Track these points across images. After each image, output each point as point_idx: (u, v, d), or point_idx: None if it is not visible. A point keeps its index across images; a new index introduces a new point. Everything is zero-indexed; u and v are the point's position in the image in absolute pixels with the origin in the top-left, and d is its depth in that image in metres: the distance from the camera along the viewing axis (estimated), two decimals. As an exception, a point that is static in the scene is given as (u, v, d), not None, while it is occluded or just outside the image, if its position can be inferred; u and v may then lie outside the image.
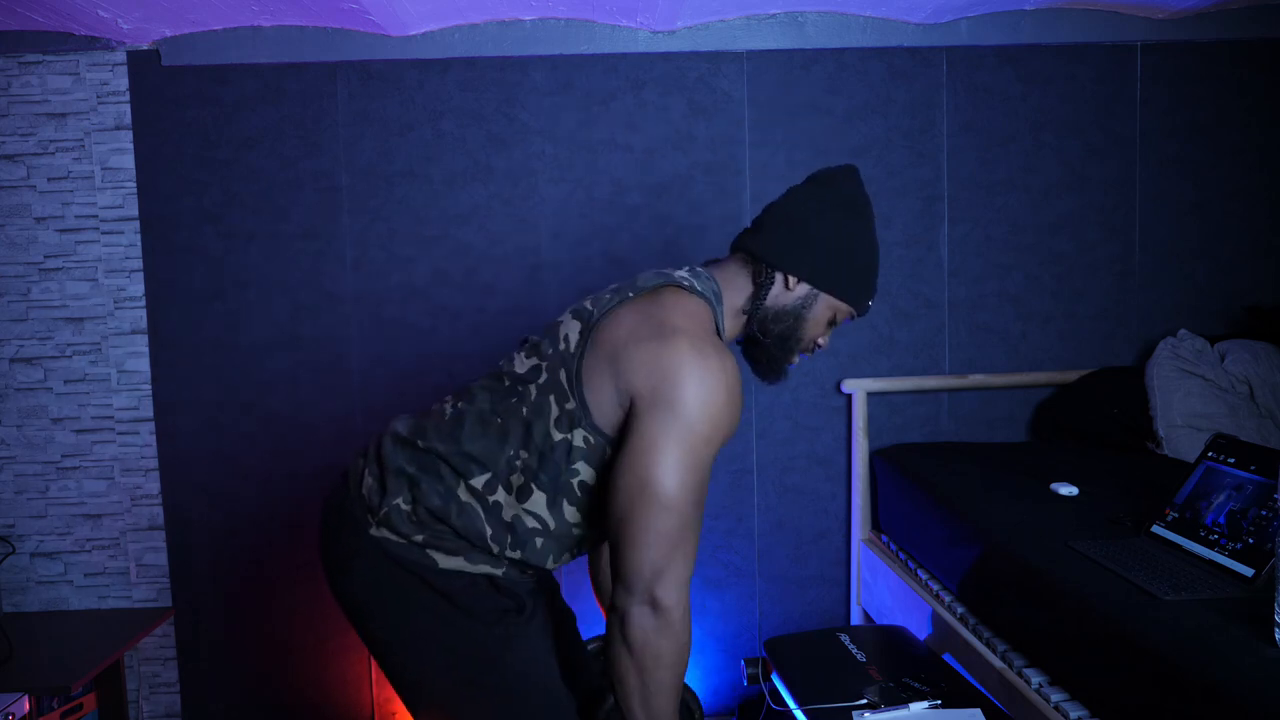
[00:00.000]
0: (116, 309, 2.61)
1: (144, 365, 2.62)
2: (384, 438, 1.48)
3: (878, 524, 2.65)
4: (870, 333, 2.70)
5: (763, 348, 1.53)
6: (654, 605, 1.30)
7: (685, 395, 1.30)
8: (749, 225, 1.57)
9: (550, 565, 1.45)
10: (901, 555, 2.41)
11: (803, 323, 1.50)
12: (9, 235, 2.59)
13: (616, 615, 1.33)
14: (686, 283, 1.46)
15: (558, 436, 1.37)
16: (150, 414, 2.63)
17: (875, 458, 2.67)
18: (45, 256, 2.60)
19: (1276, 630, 1.31)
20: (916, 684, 1.85)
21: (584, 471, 1.39)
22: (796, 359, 1.55)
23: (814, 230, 1.47)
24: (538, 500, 1.39)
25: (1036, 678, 1.66)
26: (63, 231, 2.59)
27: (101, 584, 2.66)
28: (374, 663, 2.64)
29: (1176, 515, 1.77)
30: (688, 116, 2.63)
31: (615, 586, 1.35)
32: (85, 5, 2.26)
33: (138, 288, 2.61)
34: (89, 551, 2.65)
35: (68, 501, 2.64)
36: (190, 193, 2.59)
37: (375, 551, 1.40)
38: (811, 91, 2.65)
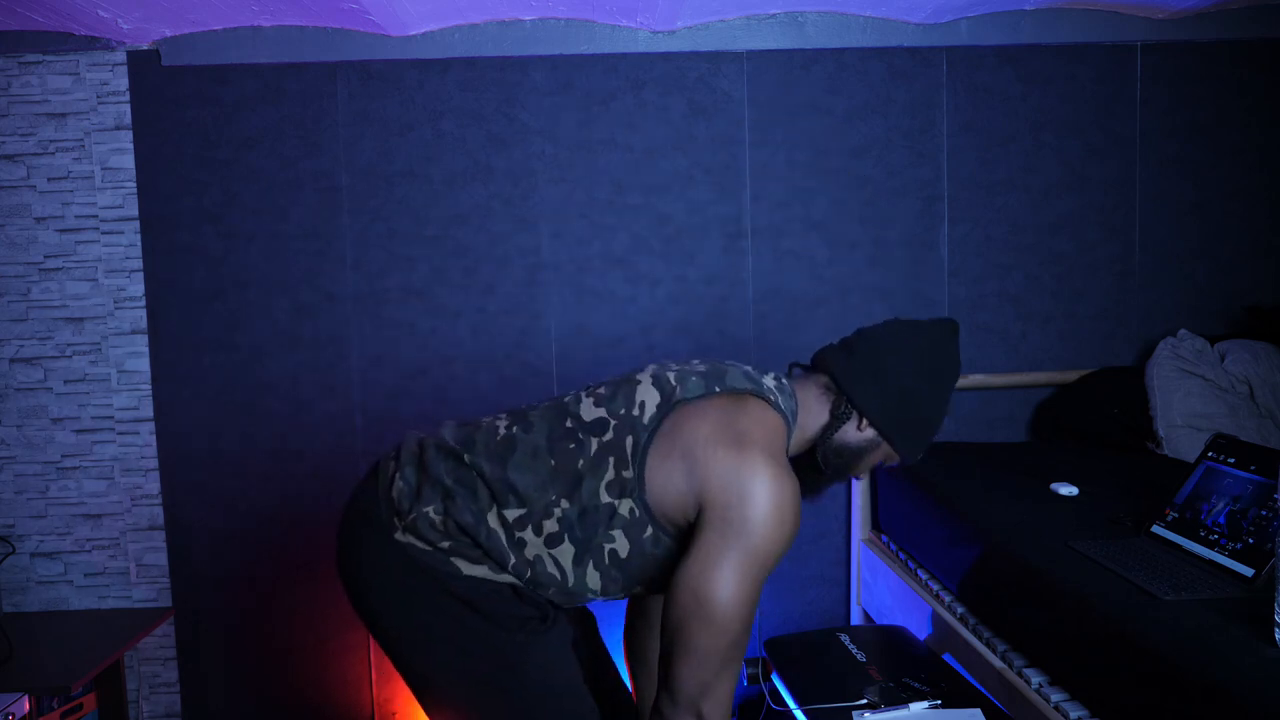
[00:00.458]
0: (116, 309, 2.61)
1: (144, 365, 2.62)
2: (427, 442, 1.47)
3: (878, 524, 2.65)
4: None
5: (817, 474, 1.55)
6: (699, 718, 1.32)
7: (756, 517, 1.31)
8: (838, 345, 1.56)
9: (551, 600, 1.45)
10: (901, 555, 2.41)
11: (860, 462, 1.52)
12: (9, 235, 2.59)
13: None
14: (772, 396, 1.46)
15: (605, 499, 1.37)
16: (150, 414, 2.63)
17: (875, 458, 2.67)
18: (45, 256, 2.60)
19: (1276, 630, 1.31)
20: (916, 684, 1.85)
21: (619, 540, 1.38)
22: (828, 487, 1.59)
23: (899, 382, 1.48)
24: (564, 551, 1.39)
25: (1036, 678, 1.66)
26: (63, 231, 2.59)
27: (101, 584, 2.66)
28: (374, 663, 2.64)
29: (1176, 515, 1.77)
30: (688, 116, 2.63)
31: (661, 693, 1.36)
32: (85, 5, 2.26)
33: (138, 288, 2.61)
34: (89, 551, 2.65)
35: (68, 501, 2.64)
36: (190, 193, 2.59)
37: (399, 557, 1.39)
38: (811, 91, 2.65)
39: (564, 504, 1.38)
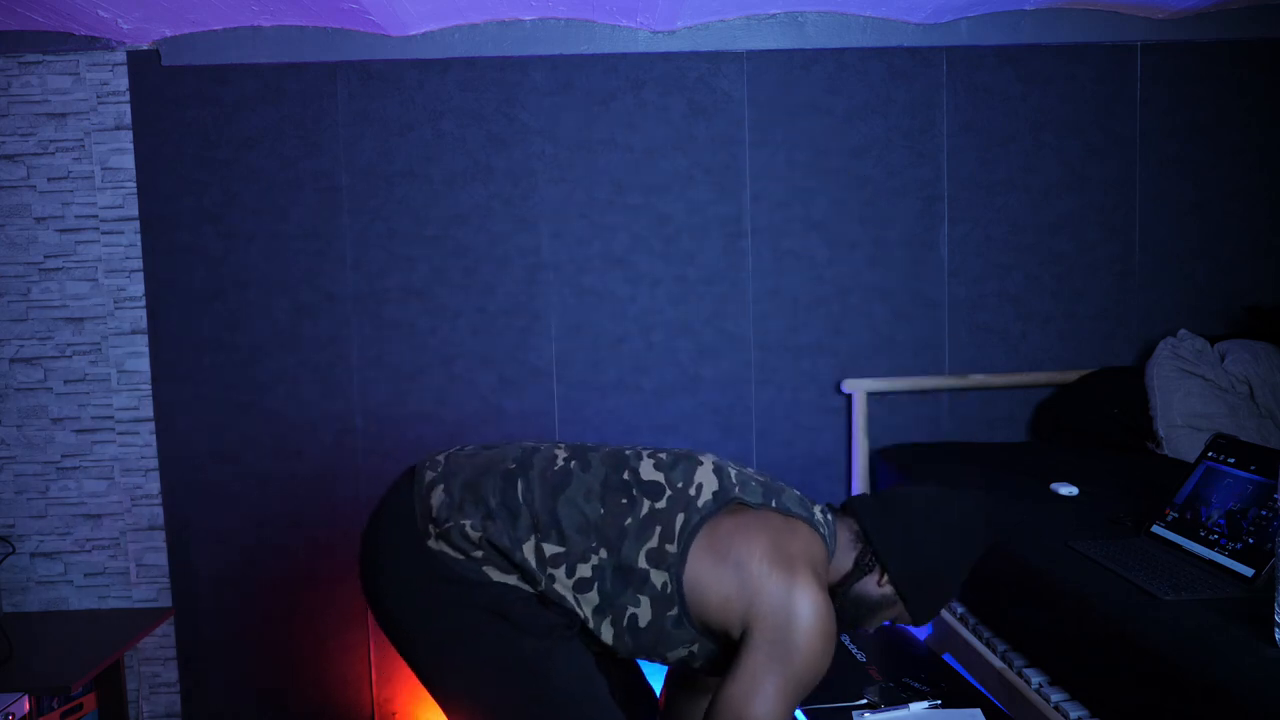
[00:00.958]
0: (116, 309, 2.61)
1: (144, 365, 2.62)
2: (481, 458, 1.47)
3: (878, 524, 2.64)
4: (870, 333, 2.71)
5: None
6: None
7: (802, 643, 1.33)
8: (872, 497, 1.57)
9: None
10: (901, 555, 2.40)
11: (873, 616, 1.52)
12: (9, 235, 2.59)
13: None
14: (822, 529, 1.48)
15: (642, 564, 1.37)
16: (150, 414, 2.63)
17: (875, 457, 2.67)
18: (45, 256, 2.60)
19: (1276, 630, 1.31)
20: (916, 684, 1.85)
21: (643, 607, 1.39)
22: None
23: (927, 548, 1.48)
24: (590, 600, 1.39)
25: (1036, 678, 1.66)
26: (63, 231, 2.59)
27: (101, 584, 2.66)
28: (374, 663, 2.64)
29: (1176, 515, 1.76)
30: (688, 116, 2.63)
31: None
32: (85, 5, 2.26)
33: (138, 288, 2.61)
34: (89, 551, 2.65)
35: (68, 501, 2.64)
36: (190, 193, 2.59)
37: (429, 565, 1.39)
38: (811, 91, 2.65)
39: (602, 553, 1.38)
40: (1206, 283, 2.76)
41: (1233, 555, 1.59)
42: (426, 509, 1.42)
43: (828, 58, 2.64)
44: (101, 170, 2.58)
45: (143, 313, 2.61)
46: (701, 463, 1.48)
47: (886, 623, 1.58)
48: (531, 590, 1.39)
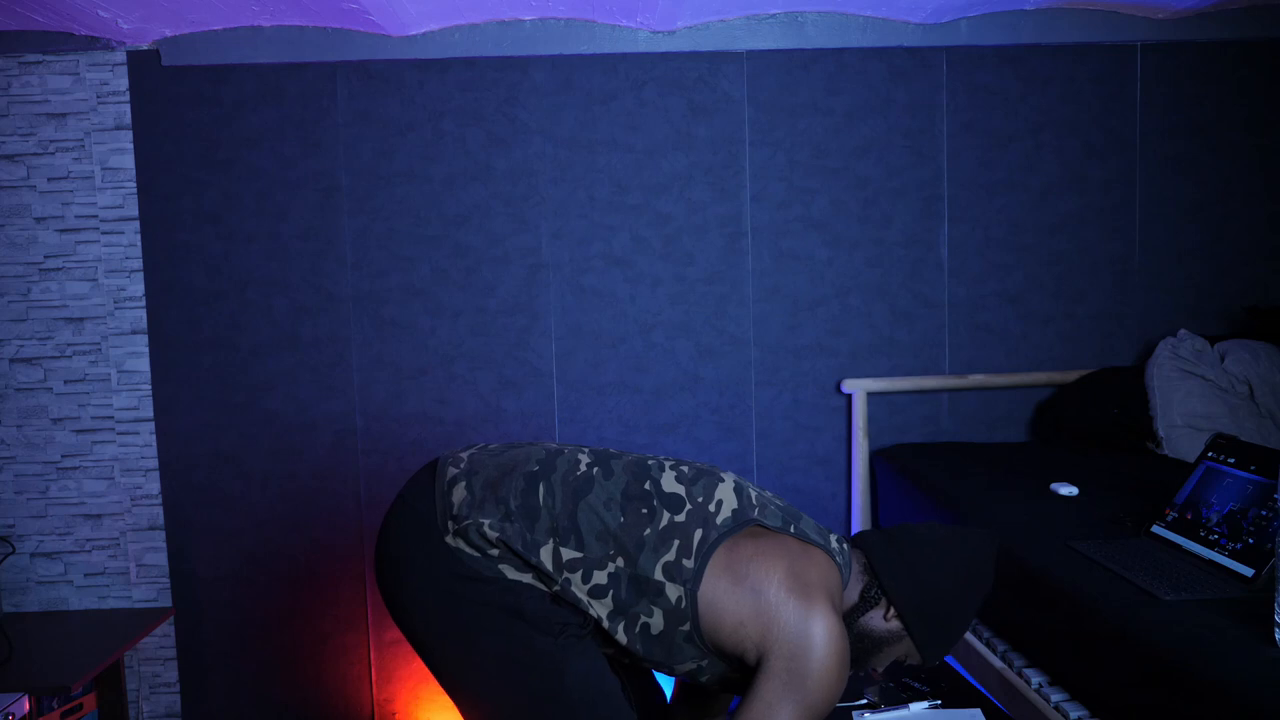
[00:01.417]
0: (116, 309, 2.61)
1: (144, 365, 2.62)
2: (506, 457, 1.47)
3: (878, 524, 2.65)
4: (870, 333, 2.71)
5: None
6: None
7: (817, 672, 1.32)
8: (879, 532, 1.57)
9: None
10: (901, 555, 2.40)
11: (879, 653, 1.50)
12: (9, 235, 2.59)
13: None
14: (838, 558, 1.47)
15: (658, 576, 1.37)
16: (150, 414, 2.63)
17: (875, 458, 2.67)
18: (45, 256, 2.60)
19: (1276, 630, 1.31)
20: (916, 684, 1.85)
21: (655, 619, 1.39)
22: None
23: (934, 581, 1.47)
24: (604, 605, 1.39)
25: (1036, 678, 1.66)
26: (63, 231, 2.59)
27: (101, 584, 2.66)
28: (374, 663, 2.64)
29: (1176, 515, 1.76)
30: (688, 116, 2.63)
31: None
32: (85, 5, 2.26)
33: (138, 288, 2.61)
34: (89, 551, 2.65)
35: (68, 501, 2.64)
36: (190, 193, 2.59)
37: (445, 560, 1.40)
38: (811, 91, 2.65)
39: (619, 561, 1.39)
40: (1206, 283, 2.76)
41: (1233, 555, 1.59)
42: (447, 505, 1.42)
43: (828, 58, 2.64)
44: (101, 170, 2.58)
45: (143, 313, 2.61)
46: (723, 480, 1.48)
47: (903, 661, 1.54)
48: (546, 589, 1.39)
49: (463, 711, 1.46)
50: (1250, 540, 1.58)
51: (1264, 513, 1.58)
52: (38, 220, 2.59)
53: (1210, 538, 1.66)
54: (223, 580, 2.65)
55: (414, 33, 2.53)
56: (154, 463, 2.63)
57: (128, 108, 2.56)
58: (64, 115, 2.56)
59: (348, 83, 2.58)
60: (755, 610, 1.36)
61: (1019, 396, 2.77)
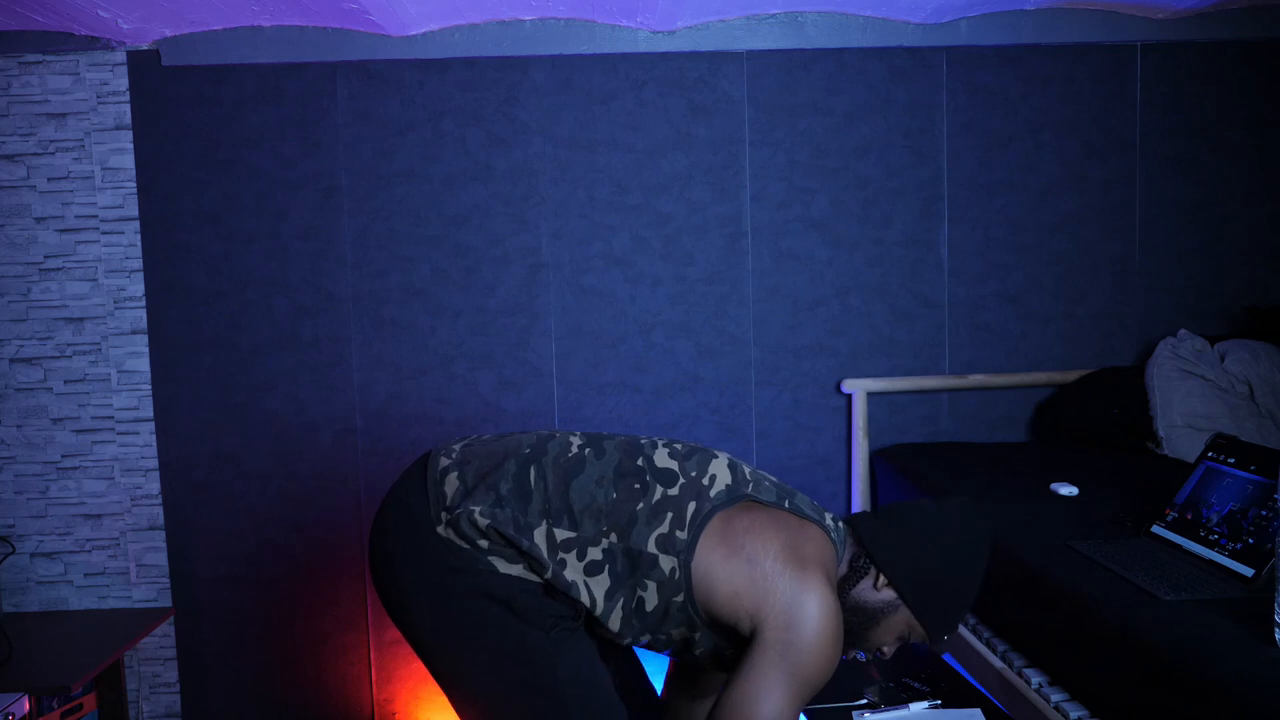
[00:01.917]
0: (116, 309, 2.61)
1: (144, 365, 2.62)
2: (497, 446, 1.48)
3: (878, 524, 2.64)
4: (870, 333, 2.71)
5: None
6: None
7: (811, 643, 1.32)
8: (870, 510, 1.56)
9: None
10: (901, 555, 2.40)
11: (876, 626, 1.48)
12: (9, 235, 2.59)
13: None
14: (833, 534, 1.47)
15: (651, 549, 1.37)
16: (150, 414, 2.63)
17: (875, 458, 2.67)
18: (45, 256, 2.60)
19: (1276, 630, 1.31)
20: (916, 684, 1.85)
21: (649, 592, 1.39)
22: (854, 655, 1.53)
23: (924, 549, 1.46)
24: (600, 582, 1.39)
25: (1036, 678, 1.66)
26: (63, 231, 2.59)
27: (101, 584, 2.66)
28: (374, 663, 2.64)
29: (1176, 515, 1.76)
30: (688, 116, 2.63)
31: None
32: (85, 5, 2.26)
33: (138, 288, 2.61)
34: (89, 551, 2.65)
35: (68, 501, 2.64)
36: (190, 193, 2.59)
37: (436, 551, 1.40)
38: (811, 91, 2.65)
39: (612, 537, 1.39)
40: (1206, 283, 2.76)
41: (1233, 555, 1.59)
42: (439, 496, 1.42)
43: (828, 58, 2.64)
44: (101, 170, 2.58)
45: (143, 313, 2.61)
46: (716, 456, 1.48)
47: (910, 638, 1.52)
48: (538, 580, 1.39)
49: (456, 706, 1.46)
50: (1250, 540, 1.58)
51: (1264, 513, 1.58)
52: (38, 220, 2.59)
53: (1210, 538, 1.66)
54: (223, 580, 2.65)
55: (414, 33, 2.53)
56: (154, 463, 2.63)
57: (128, 108, 2.56)
58: (64, 115, 2.56)
59: (348, 83, 2.58)
60: (750, 580, 1.35)
61: (1019, 396, 2.77)
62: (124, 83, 2.56)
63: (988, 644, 1.84)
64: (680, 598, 1.38)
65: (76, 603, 2.66)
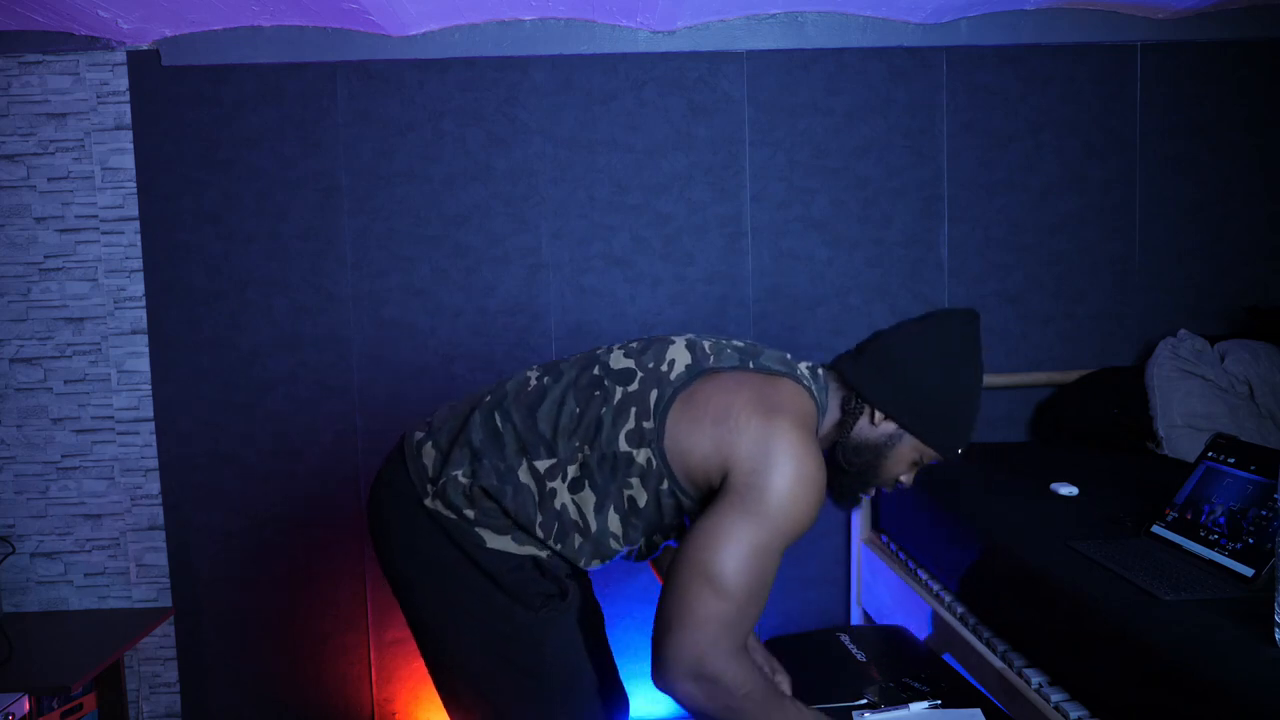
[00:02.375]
0: (116, 309, 2.61)
1: (144, 365, 2.62)
2: (462, 403, 1.49)
3: (878, 524, 2.65)
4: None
5: (842, 474, 1.49)
6: (699, 679, 1.27)
7: (778, 486, 1.28)
8: (853, 349, 1.53)
9: (583, 565, 1.45)
10: (901, 555, 2.41)
11: (884, 460, 1.45)
12: (9, 235, 2.59)
13: (664, 688, 1.31)
14: (806, 381, 1.44)
15: (623, 447, 1.36)
16: (150, 414, 2.63)
17: (875, 458, 2.67)
18: (45, 256, 2.60)
19: (1276, 630, 1.31)
20: (916, 684, 1.85)
21: (636, 488, 1.38)
22: (874, 491, 1.52)
23: (912, 372, 1.42)
24: (586, 499, 1.39)
25: (1036, 678, 1.66)
26: (63, 231, 2.59)
27: (101, 584, 2.66)
28: (374, 663, 2.64)
29: (1176, 515, 1.76)
30: (688, 116, 2.63)
31: (655, 662, 1.31)
32: (85, 5, 2.26)
33: (138, 288, 2.61)
34: (89, 551, 2.65)
35: (68, 501, 2.64)
36: (190, 193, 2.59)
37: (427, 524, 1.41)
38: (811, 91, 2.65)
39: (586, 450, 1.38)
40: (1206, 283, 2.76)
41: (1233, 555, 1.59)
42: (421, 469, 1.43)
43: (828, 58, 2.64)
44: (101, 170, 2.58)
45: (143, 313, 2.61)
46: (673, 342, 1.46)
47: (923, 462, 1.47)
48: (525, 554, 1.40)
49: (444, 688, 1.47)
50: (1250, 540, 1.57)
51: (1264, 513, 1.58)
52: (38, 220, 2.59)
53: (1210, 538, 1.66)
54: (223, 580, 2.65)
55: (414, 33, 2.53)
56: (154, 463, 2.63)
57: (128, 108, 2.56)
58: (64, 115, 2.56)
59: (348, 83, 2.58)
60: (717, 436, 1.33)
61: (1019, 396, 2.77)
62: (124, 83, 2.56)
63: (988, 644, 1.84)
64: (666, 484, 1.37)
65: (76, 603, 2.66)
